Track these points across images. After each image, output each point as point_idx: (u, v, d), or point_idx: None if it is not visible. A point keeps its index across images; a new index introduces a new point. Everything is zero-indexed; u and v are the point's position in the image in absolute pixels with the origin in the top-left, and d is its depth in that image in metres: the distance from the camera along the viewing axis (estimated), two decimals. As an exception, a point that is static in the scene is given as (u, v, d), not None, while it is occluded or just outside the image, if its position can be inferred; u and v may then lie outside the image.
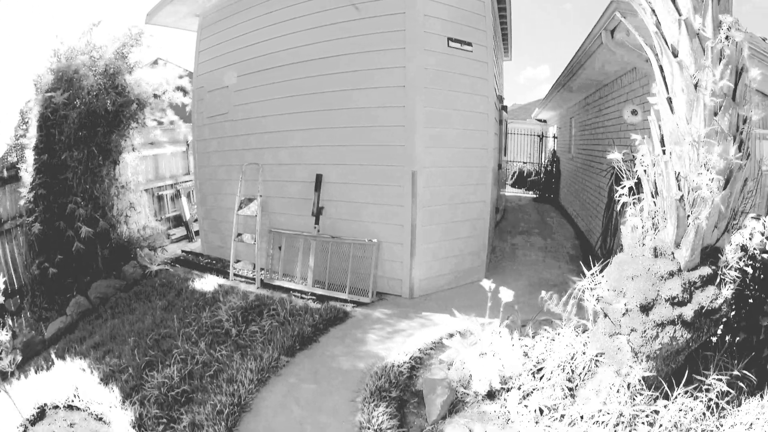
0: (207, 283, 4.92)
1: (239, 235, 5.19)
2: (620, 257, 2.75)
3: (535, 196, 12.24)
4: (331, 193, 4.73)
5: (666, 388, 2.44)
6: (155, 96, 5.73)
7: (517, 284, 5.02)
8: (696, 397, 2.38)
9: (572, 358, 2.89)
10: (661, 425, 2.31)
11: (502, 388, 2.91)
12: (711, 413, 2.35)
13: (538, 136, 14.02)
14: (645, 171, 2.62)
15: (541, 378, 2.91)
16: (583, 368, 2.81)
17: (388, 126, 4.29)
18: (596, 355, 2.77)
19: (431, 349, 3.70)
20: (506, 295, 3.28)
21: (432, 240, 4.52)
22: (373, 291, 4.49)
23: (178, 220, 8.06)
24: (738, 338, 2.74)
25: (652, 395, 2.44)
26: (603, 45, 3.86)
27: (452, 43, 4.42)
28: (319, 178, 4.77)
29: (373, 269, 4.42)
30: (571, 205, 8.78)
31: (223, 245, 5.66)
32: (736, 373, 2.49)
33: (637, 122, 3.64)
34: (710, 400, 2.36)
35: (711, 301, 2.35)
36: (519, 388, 2.89)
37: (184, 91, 6.25)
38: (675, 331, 2.38)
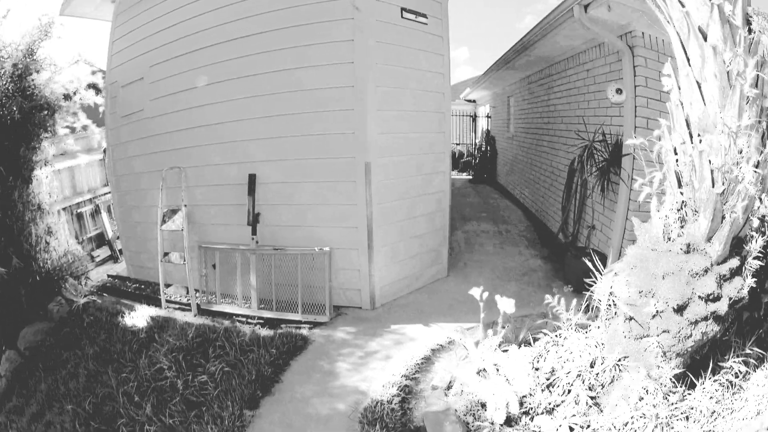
0: (139, 316, 4.26)
1: (166, 254, 4.43)
2: (641, 253, 2.63)
3: (470, 177, 12.53)
4: (270, 195, 4.06)
5: (691, 378, 2.49)
6: (66, 97, 5.07)
7: (482, 277, 4.94)
8: (718, 382, 2.47)
9: (592, 366, 2.78)
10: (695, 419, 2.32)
11: (521, 411, 2.68)
12: (730, 393, 2.45)
13: (470, 116, 14.36)
14: (668, 160, 2.53)
15: (561, 393, 2.74)
16: (606, 375, 2.71)
17: (336, 110, 3.73)
18: (620, 360, 2.69)
19: (417, 372, 3.38)
20: (507, 305, 3.04)
21: (390, 240, 4.12)
22: (330, 307, 3.98)
23: (100, 239, 7.50)
24: (744, 316, 2.88)
25: (683, 391, 2.43)
26: (574, 19, 3.77)
27: (406, 14, 3.99)
28: (252, 179, 4.05)
29: (328, 282, 3.91)
30: (515, 185, 9.07)
31: (153, 266, 4.88)
32: (748, 351, 2.59)
33: (621, 101, 3.65)
34: (730, 382, 2.46)
35: (738, 292, 2.37)
36: (542, 409, 2.69)
37: (97, 89, 5.67)
38: (707, 326, 2.36)
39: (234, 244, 4.21)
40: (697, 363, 2.55)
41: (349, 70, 3.62)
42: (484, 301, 3.06)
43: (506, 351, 3.11)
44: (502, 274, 5.05)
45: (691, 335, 2.35)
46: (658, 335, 2.43)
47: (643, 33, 3.63)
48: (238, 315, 4.05)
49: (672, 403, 2.36)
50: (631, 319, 2.60)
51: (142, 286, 5.22)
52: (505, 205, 8.70)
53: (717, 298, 2.32)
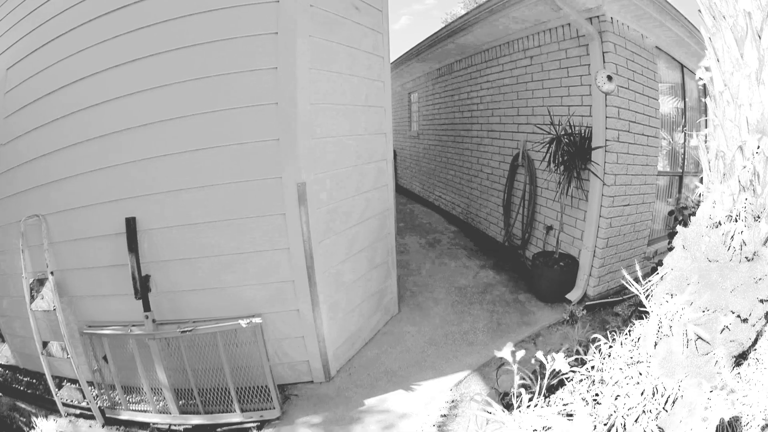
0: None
1: (45, 344, 3.04)
2: (700, 267, 2.44)
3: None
4: (162, 247, 2.79)
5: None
6: None
7: (438, 305, 4.42)
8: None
9: (653, 396, 2.54)
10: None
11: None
12: None
13: None
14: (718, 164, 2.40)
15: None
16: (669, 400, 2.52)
17: (251, 106, 2.66)
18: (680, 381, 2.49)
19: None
20: (561, 364, 2.57)
21: (337, 287, 3.29)
22: (276, 395, 2.95)
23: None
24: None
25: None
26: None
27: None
28: (132, 226, 2.74)
29: (266, 362, 2.86)
30: (427, 188, 8.90)
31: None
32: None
33: (611, 90, 3.49)
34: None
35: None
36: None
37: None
38: (763, 325, 2.43)
39: (127, 323, 2.84)
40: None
41: (271, 45, 2.60)
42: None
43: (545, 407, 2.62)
44: (459, 297, 4.62)
45: (752, 337, 2.35)
46: (725, 345, 2.35)
47: (612, 18, 3.55)
48: (156, 424, 2.77)
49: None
50: (697, 338, 2.43)
51: (34, 382, 3.68)
52: (421, 211, 8.46)
53: (773, 298, 2.28)
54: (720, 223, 2.46)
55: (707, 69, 2.52)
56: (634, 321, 3.54)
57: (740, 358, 2.60)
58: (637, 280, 4.77)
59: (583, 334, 3.58)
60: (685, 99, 4.88)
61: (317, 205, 2.91)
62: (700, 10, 2.53)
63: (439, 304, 4.47)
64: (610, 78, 3.45)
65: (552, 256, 4.38)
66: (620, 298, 4.36)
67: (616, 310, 4.22)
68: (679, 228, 2.84)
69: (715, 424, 2.09)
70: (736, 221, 2.39)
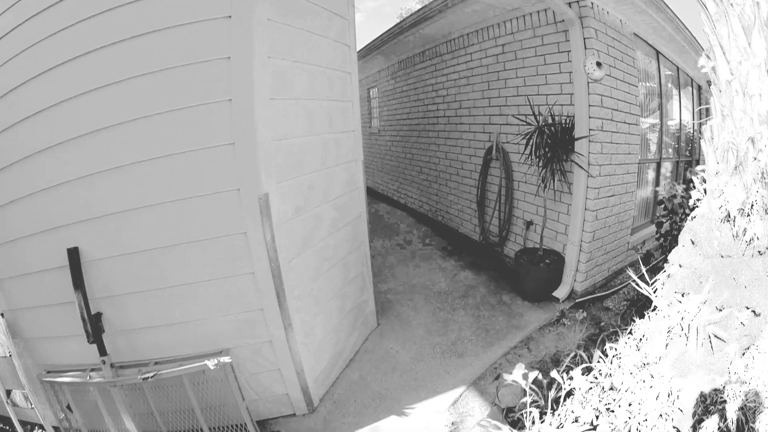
0: None
1: (9, 393, 2.77)
2: (714, 264, 2.38)
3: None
4: (113, 279, 2.34)
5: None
6: None
7: (420, 315, 4.21)
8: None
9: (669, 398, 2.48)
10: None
11: None
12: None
13: None
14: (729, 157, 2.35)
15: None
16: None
17: (201, 105, 2.24)
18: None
19: None
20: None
21: (313, 309, 2.97)
22: (255, 435, 2.60)
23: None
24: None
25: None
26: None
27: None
28: (74, 258, 2.27)
29: (241, 401, 2.51)
30: (391, 186, 8.67)
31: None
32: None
33: (601, 77, 3.38)
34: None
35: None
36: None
37: None
38: None
39: (87, 366, 2.41)
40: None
41: (224, 30, 2.21)
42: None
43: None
44: (440, 303, 4.42)
45: (763, 330, 2.33)
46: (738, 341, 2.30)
47: (592, 2, 3.44)
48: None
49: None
50: (712, 336, 2.37)
51: (8, 428, 3.20)
52: (387, 211, 8.22)
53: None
54: (730, 217, 2.40)
55: (709, 57, 2.45)
56: (635, 318, 3.49)
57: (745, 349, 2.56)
58: (622, 271, 4.80)
59: (581, 337, 3.49)
60: (660, 86, 4.94)
61: (283, 218, 2.53)
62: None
63: (420, 313, 4.25)
64: (599, 64, 3.35)
65: (536, 253, 4.27)
66: (609, 291, 4.34)
67: (607, 304, 4.18)
68: (687, 223, 2.77)
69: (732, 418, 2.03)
70: (749, 215, 2.33)
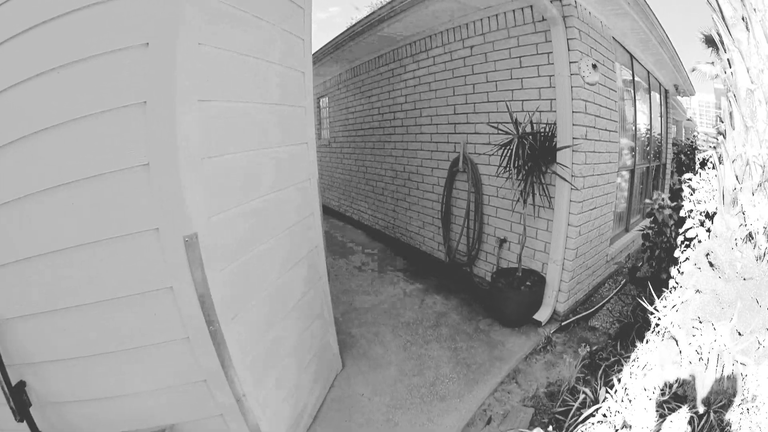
0: None
1: None
2: (738, 288, 2.17)
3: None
4: (31, 343, 1.69)
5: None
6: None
7: (388, 351, 3.73)
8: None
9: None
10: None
11: None
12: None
13: None
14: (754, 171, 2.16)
15: None
16: None
17: (106, 111, 1.59)
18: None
19: None
20: None
21: (267, 372, 2.34)
22: None
23: None
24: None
25: None
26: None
27: None
28: None
29: None
30: (342, 200, 8.19)
31: None
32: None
33: (595, 81, 3.14)
34: None
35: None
36: None
37: None
38: None
39: None
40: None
41: (140, 9, 1.61)
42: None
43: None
44: (411, 336, 3.99)
45: None
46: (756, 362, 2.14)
47: (576, 2, 3.24)
48: None
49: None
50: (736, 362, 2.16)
51: None
52: (338, 227, 7.71)
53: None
54: (753, 237, 2.20)
55: (729, 62, 2.28)
56: (636, 342, 3.26)
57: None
58: (601, 284, 4.64)
59: (577, 368, 3.20)
60: (634, 91, 4.93)
61: (221, 263, 1.90)
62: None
63: (390, 349, 3.79)
64: (595, 66, 3.14)
65: (514, 274, 3.99)
66: (592, 309, 4.14)
67: (593, 323, 3.97)
68: (704, 243, 2.58)
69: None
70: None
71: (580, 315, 4.00)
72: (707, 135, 10.11)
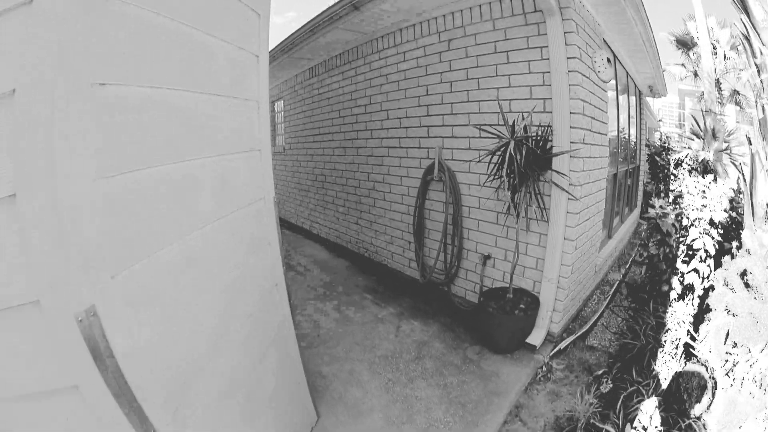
0: None
1: None
2: None
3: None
4: None
5: None
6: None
7: (368, 395, 3.28)
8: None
9: None
10: None
11: None
12: None
13: None
14: None
15: None
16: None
17: None
18: None
19: None
20: None
21: None
22: None
23: None
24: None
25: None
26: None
27: None
28: None
29: None
30: (304, 214, 7.62)
31: None
32: None
33: (610, 78, 2.85)
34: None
35: None
36: None
37: None
38: None
39: None
40: None
41: None
42: None
43: None
44: (393, 373, 3.55)
45: None
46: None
47: (574, -7, 2.99)
48: None
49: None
50: None
51: None
52: (297, 242, 7.12)
53: None
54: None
55: (759, 68, 2.07)
56: (654, 367, 3.01)
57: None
58: (590, 297, 4.42)
59: (588, 400, 2.89)
60: (617, 93, 4.81)
61: (144, 350, 1.31)
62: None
63: (369, 391, 3.32)
64: (609, 61, 2.87)
65: (503, 295, 3.66)
66: (587, 326, 3.90)
67: (590, 342, 3.73)
68: (736, 261, 2.35)
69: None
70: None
71: (577, 335, 3.74)
72: (681, 136, 10.48)
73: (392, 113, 4.72)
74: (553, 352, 3.57)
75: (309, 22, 4.91)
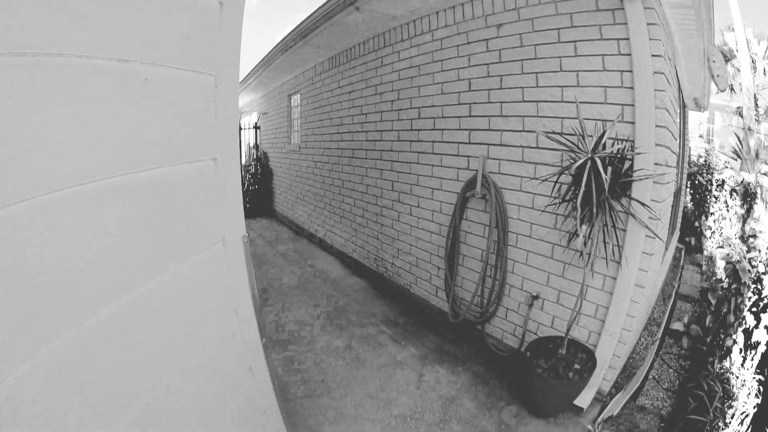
0: None
1: None
2: None
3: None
4: None
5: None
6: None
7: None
8: None
9: None
10: None
11: None
12: None
13: (256, 126, 11.41)
14: None
15: None
16: None
17: None
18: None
19: None
20: None
21: None
22: None
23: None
24: None
25: None
26: None
27: None
28: None
29: None
30: (319, 220, 7.16)
31: None
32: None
33: (726, 86, 2.26)
34: None
35: None
36: None
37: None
38: None
39: None
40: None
41: None
42: None
43: None
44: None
45: None
46: None
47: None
48: None
49: None
50: None
51: None
52: (308, 252, 6.65)
53: None
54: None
55: None
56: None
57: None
58: (637, 342, 3.74)
59: None
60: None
61: None
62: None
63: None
64: (727, 60, 2.24)
65: (554, 351, 3.05)
66: (639, 383, 3.28)
67: (641, 402, 3.12)
68: None
69: None
70: None
71: (630, 394, 3.13)
72: (708, 152, 9.76)
73: (424, 111, 4.14)
74: (600, 416, 2.97)
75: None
